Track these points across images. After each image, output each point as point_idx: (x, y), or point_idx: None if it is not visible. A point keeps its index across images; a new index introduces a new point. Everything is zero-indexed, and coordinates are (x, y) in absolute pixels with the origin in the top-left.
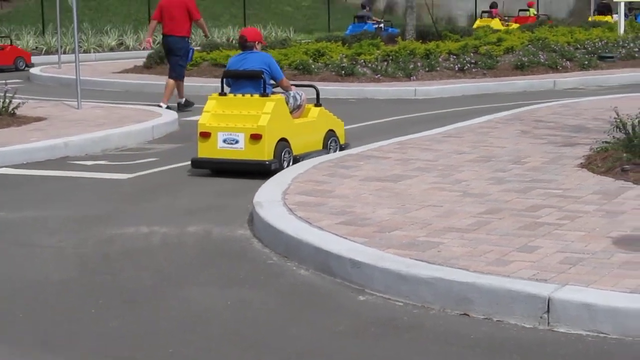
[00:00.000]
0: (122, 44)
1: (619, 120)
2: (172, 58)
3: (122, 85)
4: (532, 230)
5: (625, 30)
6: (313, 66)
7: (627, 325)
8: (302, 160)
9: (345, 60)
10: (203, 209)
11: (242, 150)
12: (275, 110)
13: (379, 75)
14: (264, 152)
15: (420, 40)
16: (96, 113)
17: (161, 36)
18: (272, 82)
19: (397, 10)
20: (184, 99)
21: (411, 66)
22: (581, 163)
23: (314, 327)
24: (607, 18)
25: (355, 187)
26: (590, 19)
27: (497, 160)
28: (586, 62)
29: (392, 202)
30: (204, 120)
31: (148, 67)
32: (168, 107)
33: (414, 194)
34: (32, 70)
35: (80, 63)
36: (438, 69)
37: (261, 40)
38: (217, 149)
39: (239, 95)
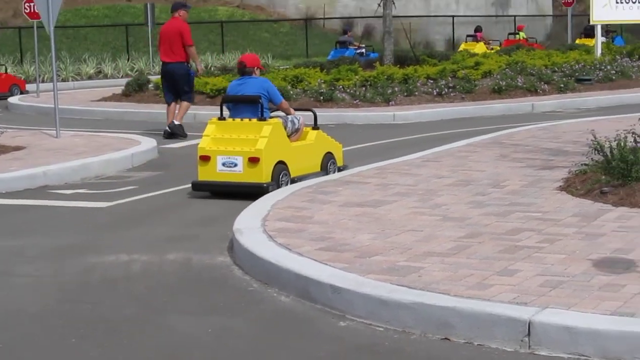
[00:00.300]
0: (100, 72)
1: (596, 143)
2: (177, 85)
3: (101, 113)
4: (512, 253)
5: (602, 53)
6: (292, 92)
7: (608, 347)
8: (300, 181)
9: (323, 85)
10: (183, 236)
11: (241, 173)
12: (272, 134)
13: (357, 101)
14: (262, 175)
15: (399, 65)
16: (75, 141)
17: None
18: (271, 105)
19: (375, 36)
20: (180, 121)
21: (389, 91)
22: (560, 186)
23: (295, 354)
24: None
25: (334, 212)
26: (578, 41)
27: (476, 184)
28: (564, 85)
29: (372, 227)
30: (204, 144)
31: (127, 94)
32: (180, 125)
33: (393, 219)
34: (11, 99)
35: (58, 91)
36: (416, 93)
37: (259, 65)
38: (216, 172)
39: (237, 120)
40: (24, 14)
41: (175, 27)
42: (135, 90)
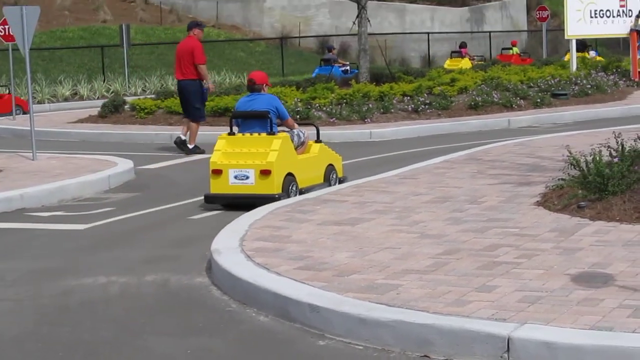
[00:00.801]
0: (76, 93)
1: (572, 158)
2: (188, 102)
3: (77, 135)
4: (490, 269)
5: (577, 68)
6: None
7: None
8: (307, 192)
9: (300, 104)
10: (161, 257)
11: (253, 185)
12: (282, 148)
13: (333, 119)
14: (274, 186)
15: (374, 83)
16: (52, 164)
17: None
18: (277, 121)
19: (351, 53)
20: (193, 145)
21: (365, 109)
22: (537, 201)
23: None
24: (584, 54)
25: (312, 231)
26: (567, 55)
27: (453, 200)
28: (540, 100)
29: (350, 246)
30: (215, 158)
31: (103, 116)
32: (196, 147)
33: (371, 237)
34: None
35: (34, 114)
36: (392, 110)
37: (268, 82)
38: (228, 185)
39: (247, 134)
40: None
41: (188, 46)
42: (111, 111)
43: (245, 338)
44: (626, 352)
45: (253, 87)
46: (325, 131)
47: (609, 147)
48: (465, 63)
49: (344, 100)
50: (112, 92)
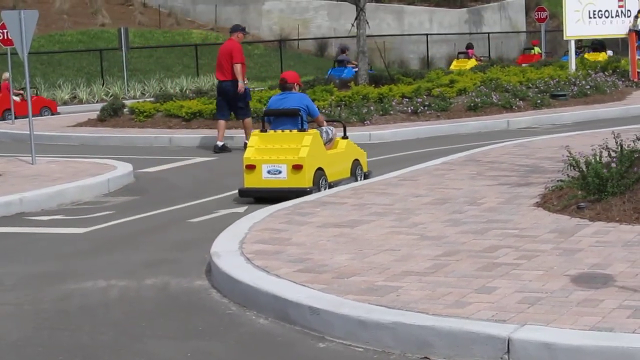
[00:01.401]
0: (75, 97)
1: (572, 159)
2: (232, 102)
3: (76, 138)
4: (489, 271)
5: (576, 68)
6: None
7: None
8: (336, 186)
9: None
10: (160, 260)
11: (285, 180)
12: (312, 144)
13: (332, 121)
14: (305, 180)
15: (373, 85)
16: (51, 168)
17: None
18: (308, 118)
19: (350, 56)
20: (221, 143)
21: (365, 111)
22: (537, 202)
23: None
24: (601, 55)
25: (312, 233)
26: (586, 55)
27: (453, 202)
28: (539, 101)
29: (349, 248)
30: (249, 154)
31: (102, 120)
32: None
33: (371, 239)
34: None
35: (33, 117)
36: (392, 112)
37: (299, 82)
38: (262, 179)
39: (279, 131)
40: None
41: (228, 48)
42: (111, 115)
43: (245, 341)
44: (626, 353)
45: (285, 86)
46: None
47: (607, 148)
48: (472, 64)
49: (343, 102)
50: (111, 96)
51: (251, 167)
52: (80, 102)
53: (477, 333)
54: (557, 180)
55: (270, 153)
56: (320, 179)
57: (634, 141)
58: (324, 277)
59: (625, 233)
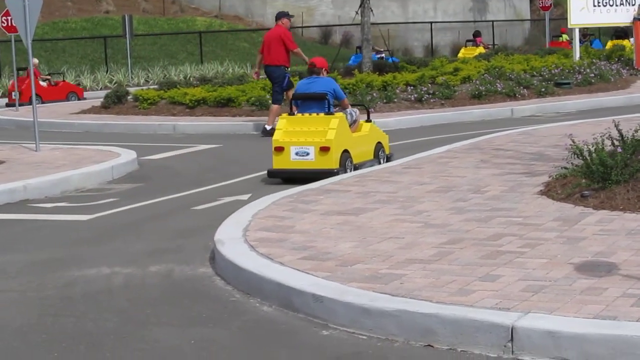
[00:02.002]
0: (79, 84)
1: (575, 147)
2: (273, 86)
3: (80, 126)
4: (493, 259)
5: (580, 57)
6: (271, 102)
7: (591, 351)
8: (360, 168)
9: None
10: (164, 248)
11: (313, 161)
12: (339, 126)
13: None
14: (332, 162)
15: (377, 72)
16: (55, 155)
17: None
18: (334, 101)
19: (354, 43)
20: (270, 127)
21: (369, 98)
22: (541, 190)
23: None
24: (625, 42)
25: (316, 221)
26: (610, 43)
27: (457, 190)
28: (543, 89)
29: (353, 236)
30: (278, 136)
31: (106, 107)
32: (272, 129)
33: (375, 227)
34: None
35: (37, 105)
36: (396, 100)
37: (327, 67)
38: (290, 160)
39: (307, 115)
40: (1, 27)
41: (276, 34)
42: (114, 102)
43: (248, 328)
44: (630, 341)
45: (313, 70)
46: None
47: (611, 136)
48: (480, 51)
49: (347, 90)
50: (115, 83)
51: (280, 149)
52: (84, 89)
53: (481, 321)
54: (561, 168)
55: (299, 135)
56: (346, 161)
57: (636, 130)
58: (327, 265)
59: (629, 221)
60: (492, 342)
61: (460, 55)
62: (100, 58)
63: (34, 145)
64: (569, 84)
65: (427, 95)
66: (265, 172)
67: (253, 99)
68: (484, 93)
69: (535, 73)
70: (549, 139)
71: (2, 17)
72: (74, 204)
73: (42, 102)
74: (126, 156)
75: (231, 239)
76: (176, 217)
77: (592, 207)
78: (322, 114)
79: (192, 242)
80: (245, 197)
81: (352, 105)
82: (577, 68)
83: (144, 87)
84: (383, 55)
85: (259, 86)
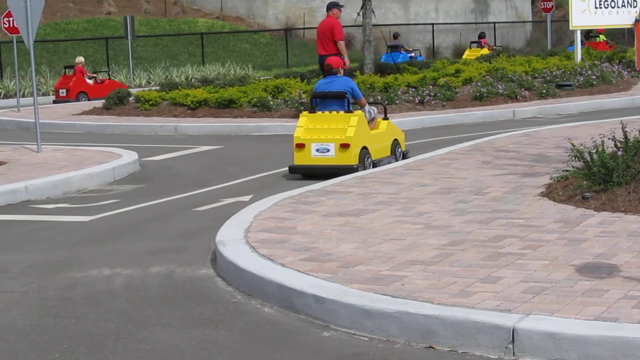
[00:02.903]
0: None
1: (576, 150)
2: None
3: (82, 127)
4: (494, 260)
5: (582, 58)
6: (272, 103)
7: (592, 353)
8: (379, 164)
9: (304, 96)
10: (166, 249)
11: (333, 157)
12: (358, 124)
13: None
14: (352, 158)
15: (379, 74)
16: (56, 156)
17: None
18: (352, 100)
19: (355, 45)
20: None
21: (370, 100)
22: (542, 192)
23: None
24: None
25: (317, 222)
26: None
27: (458, 191)
28: (544, 91)
29: (354, 237)
30: (299, 133)
31: (108, 108)
32: None
33: (376, 228)
34: None
35: (39, 106)
36: (397, 102)
37: (343, 66)
38: (310, 157)
39: (326, 112)
40: (3, 28)
41: (328, 24)
42: (116, 103)
43: (250, 329)
44: (631, 343)
45: (330, 71)
46: None
47: (613, 137)
48: (485, 53)
49: None
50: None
51: (301, 146)
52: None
53: (482, 323)
54: (563, 170)
55: (319, 132)
56: (365, 157)
57: (639, 131)
58: (328, 266)
59: (631, 223)
60: (493, 344)
61: (464, 56)
62: (101, 59)
63: (36, 146)
64: (570, 85)
65: (429, 97)
66: (265, 173)
67: (255, 100)
68: (485, 95)
69: (536, 75)
70: (550, 141)
71: (4, 18)
72: (76, 205)
73: (89, 99)
74: (128, 157)
75: (232, 240)
76: (177, 218)
77: (594, 208)
78: (341, 112)
79: (193, 243)
80: (246, 198)
81: (370, 104)
82: (579, 70)
83: (146, 89)
84: (413, 54)
85: (260, 87)
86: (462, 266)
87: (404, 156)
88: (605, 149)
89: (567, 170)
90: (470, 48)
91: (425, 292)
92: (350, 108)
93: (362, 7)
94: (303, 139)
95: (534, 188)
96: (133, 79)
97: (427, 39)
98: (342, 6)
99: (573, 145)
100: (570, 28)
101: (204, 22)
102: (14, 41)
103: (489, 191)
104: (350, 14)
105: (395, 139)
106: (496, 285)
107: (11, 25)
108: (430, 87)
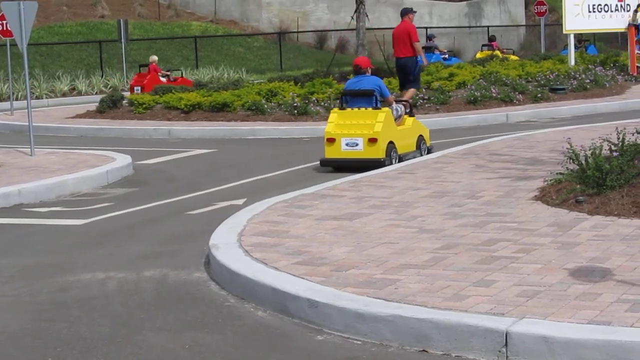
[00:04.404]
0: (74, 89)
1: (571, 152)
2: (406, 75)
3: (75, 130)
4: (488, 264)
5: (575, 62)
6: (266, 106)
7: (585, 356)
8: (405, 158)
9: (297, 99)
10: (159, 252)
11: (362, 151)
12: (385, 120)
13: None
14: (379, 152)
15: None
16: (50, 159)
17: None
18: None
19: (349, 48)
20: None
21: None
22: (535, 196)
23: None
24: (496, 52)
25: (311, 226)
26: (480, 54)
27: (452, 195)
28: (538, 95)
29: (348, 241)
30: (330, 129)
31: (101, 111)
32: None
33: (369, 232)
34: None
35: (32, 109)
36: None
37: (371, 65)
38: (341, 151)
39: (356, 109)
40: None
41: (404, 28)
42: (110, 107)
43: (243, 333)
44: (624, 347)
45: (359, 71)
46: (323, 126)
47: (608, 141)
48: (498, 55)
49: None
50: (110, 88)
51: (331, 140)
52: (79, 93)
53: (476, 326)
54: (556, 174)
55: (349, 128)
56: (391, 151)
57: (633, 133)
58: (322, 270)
59: (624, 227)
60: (487, 347)
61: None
62: (95, 62)
63: (29, 149)
64: (564, 89)
65: (422, 101)
66: (258, 177)
67: (248, 103)
68: (479, 98)
69: (530, 79)
70: (544, 145)
71: None
72: (69, 209)
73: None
74: (121, 161)
75: (226, 244)
76: (171, 222)
77: (587, 212)
78: (370, 109)
79: (186, 247)
80: (240, 201)
81: (397, 102)
82: (572, 74)
83: (139, 92)
84: (446, 55)
85: (254, 91)
86: (455, 270)
87: (429, 151)
88: (601, 152)
89: (560, 174)
90: (482, 51)
91: (418, 295)
92: (378, 105)
93: (355, 11)
94: (334, 133)
95: (527, 192)
96: (127, 82)
97: (421, 42)
98: (415, 12)
99: (570, 145)
100: (564, 32)
101: (197, 25)
102: (7, 44)
103: (483, 195)
104: (344, 17)
105: (421, 135)
106: (489, 288)
107: (4, 28)
108: (424, 90)
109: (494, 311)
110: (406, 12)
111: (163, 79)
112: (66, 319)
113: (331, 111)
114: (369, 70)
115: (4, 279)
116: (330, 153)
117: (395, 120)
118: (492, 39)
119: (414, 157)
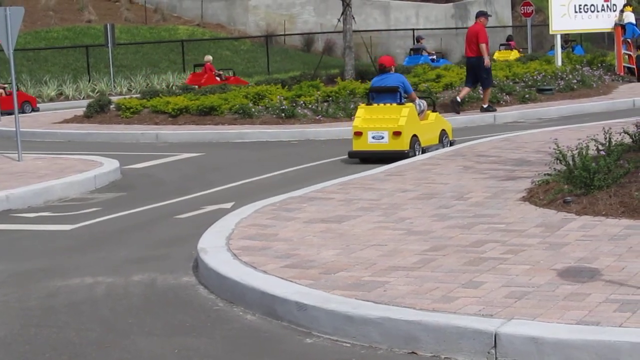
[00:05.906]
0: (61, 94)
1: (559, 152)
2: (477, 74)
3: (63, 135)
4: (476, 265)
5: (562, 63)
6: (253, 109)
7: (574, 356)
8: (428, 151)
9: (285, 102)
10: (147, 257)
11: (387, 144)
12: (409, 114)
13: (320, 116)
14: (403, 144)
15: (360, 80)
16: (38, 164)
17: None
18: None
19: (336, 51)
20: (487, 104)
21: (352, 106)
22: (523, 196)
23: None
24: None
25: (299, 229)
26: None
27: (440, 197)
28: (526, 96)
29: (336, 243)
30: (357, 123)
31: (88, 116)
32: (489, 106)
33: (358, 234)
34: None
35: (20, 114)
36: None
37: (394, 64)
38: (367, 143)
39: (381, 105)
40: None
41: (474, 30)
42: (97, 111)
43: (232, 337)
44: (613, 347)
45: (384, 69)
46: (311, 129)
47: (596, 141)
48: (515, 55)
49: (330, 98)
50: (97, 92)
51: (359, 134)
52: (67, 98)
53: (464, 328)
54: (544, 174)
55: (375, 122)
56: (415, 144)
57: (620, 133)
58: (311, 273)
59: (612, 227)
60: (476, 349)
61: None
62: (82, 67)
63: (17, 154)
64: (551, 90)
65: None
66: (246, 180)
67: (236, 107)
68: (466, 100)
69: (517, 79)
70: (531, 145)
71: None
72: (57, 214)
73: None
74: (109, 165)
75: (214, 248)
76: (159, 226)
77: (575, 212)
78: (394, 104)
79: (175, 251)
80: (228, 205)
81: (420, 98)
82: (560, 74)
83: (127, 96)
84: (434, 57)
85: (241, 94)
86: (444, 271)
87: (451, 144)
88: (588, 152)
89: (548, 175)
90: (500, 50)
91: (407, 297)
92: (402, 101)
93: (342, 13)
94: (361, 127)
95: (515, 193)
96: (114, 87)
97: (407, 44)
98: (490, 15)
99: (557, 146)
100: (550, 32)
101: (184, 29)
102: None
103: (471, 196)
104: (330, 20)
105: (443, 129)
106: (478, 290)
107: None
108: None
109: (483, 312)
110: (479, 15)
111: (217, 78)
112: (55, 324)
113: (358, 107)
114: (393, 69)
115: None
116: (358, 146)
117: (418, 114)
118: (509, 38)
119: (437, 150)
